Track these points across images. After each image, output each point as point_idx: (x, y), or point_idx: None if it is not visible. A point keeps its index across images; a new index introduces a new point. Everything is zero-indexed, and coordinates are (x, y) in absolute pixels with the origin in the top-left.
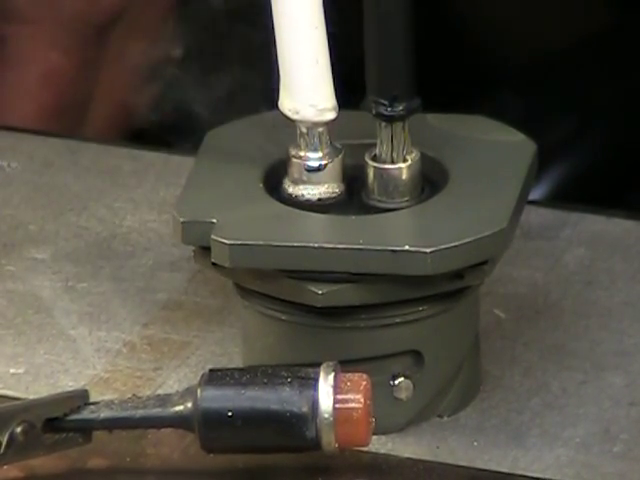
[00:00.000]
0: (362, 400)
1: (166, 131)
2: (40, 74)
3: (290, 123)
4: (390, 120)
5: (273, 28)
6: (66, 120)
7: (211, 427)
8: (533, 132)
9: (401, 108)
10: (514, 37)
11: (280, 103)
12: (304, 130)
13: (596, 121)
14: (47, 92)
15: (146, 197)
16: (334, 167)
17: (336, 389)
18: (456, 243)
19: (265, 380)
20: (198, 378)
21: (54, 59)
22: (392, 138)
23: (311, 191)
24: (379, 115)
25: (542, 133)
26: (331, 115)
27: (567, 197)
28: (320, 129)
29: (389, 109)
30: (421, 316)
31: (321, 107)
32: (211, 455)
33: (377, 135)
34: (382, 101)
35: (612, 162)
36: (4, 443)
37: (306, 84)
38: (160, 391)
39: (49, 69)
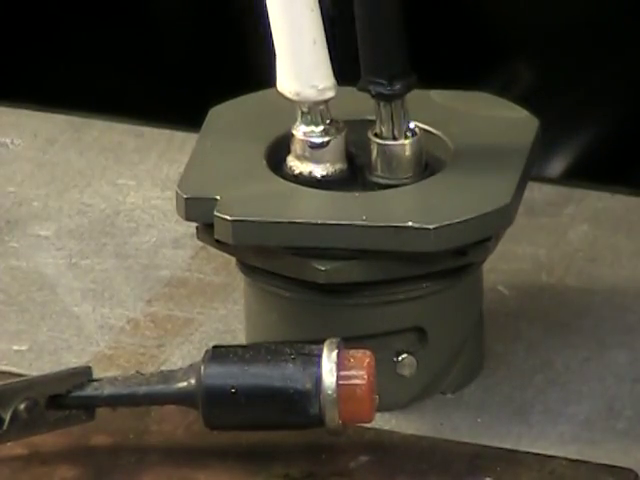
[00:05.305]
0: (365, 377)
1: None
2: None
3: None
4: (390, 99)
5: (267, 12)
6: None
7: (214, 404)
8: (537, 108)
9: (400, 86)
10: (518, 13)
11: (279, 85)
12: (305, 110)
13: (601, 97)
14: None
15: (149, 174)
16: (337, 144)
17: (339, 366)
18: (459, 219)
19: (268, 357)
20: (201, 355)
21: None
22: (392, 116)
23: (314, 168)
24: (379, 95)
25: (546, 110)
26: (331, 93)
27: (571, 173)
28: (321, 107)
29: (388, 88)
30: (424, 293)
31: (321, 87)
32: (214, 432)
33: (376, 114)
34: (381, 81)
35: (616, 138)
36: (7, 420)
37: (306, 66)
38: (163, 368)
39: None
